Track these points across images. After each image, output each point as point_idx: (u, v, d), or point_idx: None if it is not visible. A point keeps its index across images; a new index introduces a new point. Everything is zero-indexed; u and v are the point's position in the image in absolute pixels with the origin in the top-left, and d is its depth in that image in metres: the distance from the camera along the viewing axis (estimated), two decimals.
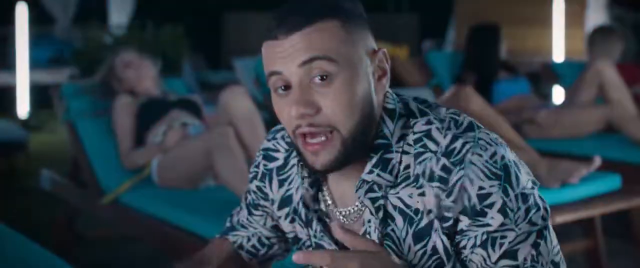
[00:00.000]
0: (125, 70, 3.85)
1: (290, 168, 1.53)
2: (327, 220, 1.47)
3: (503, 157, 1.31)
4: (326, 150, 1.31)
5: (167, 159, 3.43)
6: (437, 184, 1.33)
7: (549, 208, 1.36)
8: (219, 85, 10.21)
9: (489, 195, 1.30)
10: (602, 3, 9.11)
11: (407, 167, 1.36)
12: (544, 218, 1.34)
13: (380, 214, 1.38)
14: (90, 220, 4.20)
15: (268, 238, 1.67)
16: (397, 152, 1.36)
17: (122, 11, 9.93)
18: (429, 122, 1.36)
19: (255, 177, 1.60)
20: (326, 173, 1.36)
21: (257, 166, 1.59)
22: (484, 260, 1.33)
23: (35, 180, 5.69)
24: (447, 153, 1.32)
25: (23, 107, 8.90)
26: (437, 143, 1.34)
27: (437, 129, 1.35)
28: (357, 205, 1.43)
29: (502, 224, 1.30)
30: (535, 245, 1.32)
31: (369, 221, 1.39)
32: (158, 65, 4.00)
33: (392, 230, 1.39)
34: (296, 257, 1.22)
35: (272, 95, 1.35)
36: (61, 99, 3.84)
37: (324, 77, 1.29)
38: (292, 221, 1.54)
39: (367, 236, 1.40)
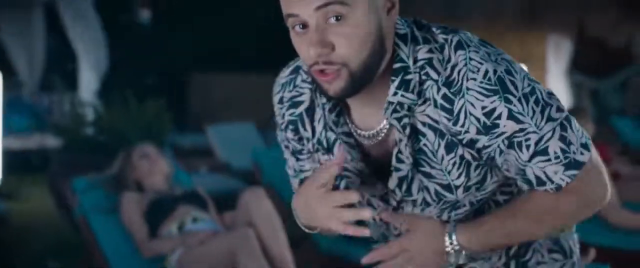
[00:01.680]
0: (140, 160, 3.99)
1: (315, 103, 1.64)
2: (351, 142, 1.59)
3: (495, 71, 1.44)
4: (337, 81, 1.45)
5: (188, 256, 3.53)
6: (444, 113, 1.47)
7: (553, 93, 1.49)
8: (189, 150, 10.19)
9: (494, 109, 1.44)
10: (563, 69, 9.40)
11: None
12: (559, 109, 1.47)
13: (407, 131, 1.51)
14: None
15: None
16: (415, 72, 1.49)
17: (91, 74, 9.93)
18: (431, 51, 1.49)
19: (286, 127, 1.70)
20: (339, 99, 1.51)
21: (283, 116, 1.69)
22: (516, 159, 1.47)
23: (17, 254, 5.70)
24: (447, 84, 1.46)
25: None
26: (438, 72, 1.47)
27: (438, 60, 1.48)
28: (383, 127, 1.55)
29: (521, 130, 1.44)
30: (562, 139, 1.45)
31: (401, 140, 1.52)
32: (173, 167, 4.15)
33: (425, 144, 1.52)
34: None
35: (290, 32, 1.48)
36: (74, 194, 3.94)
37: (339, 18, 1.42)
38: (325, 151, 1.64)
39: (399, 154, 1.53)
